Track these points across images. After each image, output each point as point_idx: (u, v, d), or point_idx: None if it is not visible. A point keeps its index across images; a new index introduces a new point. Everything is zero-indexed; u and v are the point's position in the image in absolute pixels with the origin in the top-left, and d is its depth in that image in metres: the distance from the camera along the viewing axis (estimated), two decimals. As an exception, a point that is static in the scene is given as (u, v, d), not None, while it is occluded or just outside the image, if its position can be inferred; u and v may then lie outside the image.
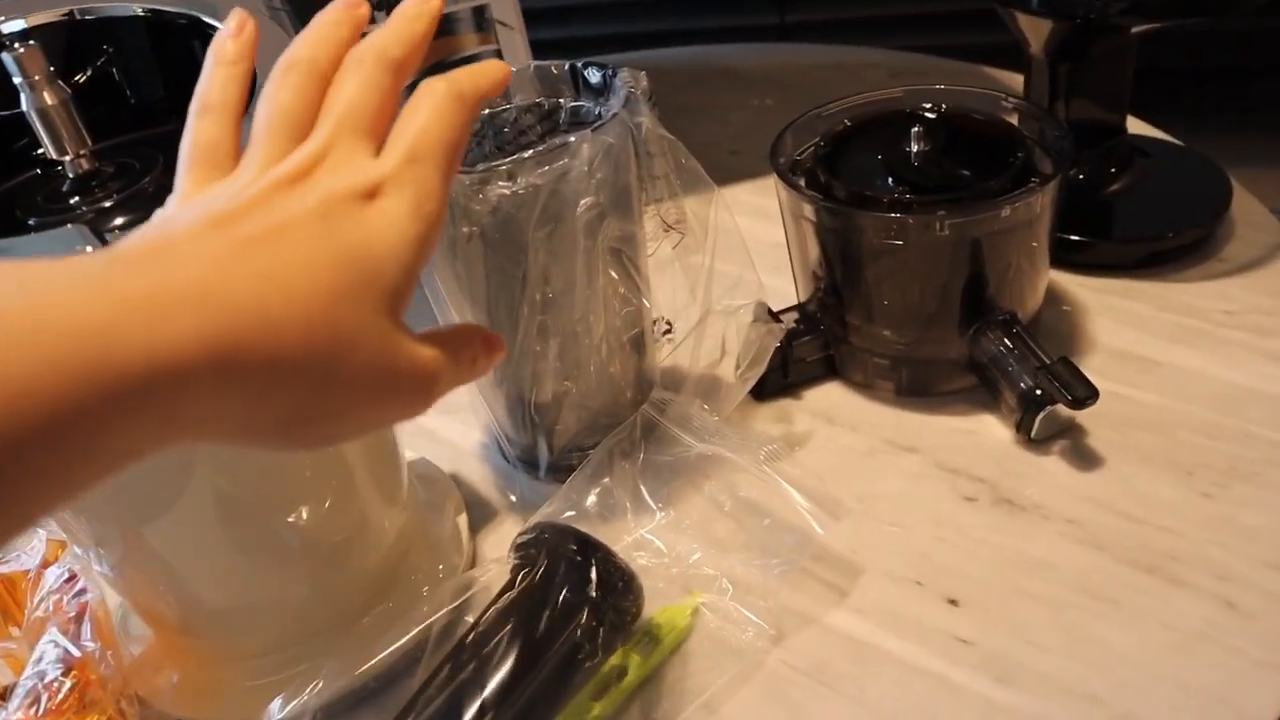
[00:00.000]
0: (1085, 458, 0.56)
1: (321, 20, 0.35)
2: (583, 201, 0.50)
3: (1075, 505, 0.53)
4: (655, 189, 0.54)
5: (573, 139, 0.48)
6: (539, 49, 0.75)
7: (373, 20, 0.37)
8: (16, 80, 0.44)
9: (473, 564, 0.56)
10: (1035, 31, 0.68)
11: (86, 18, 0.52)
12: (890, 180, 0.59)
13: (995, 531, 0.53)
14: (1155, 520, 0.52)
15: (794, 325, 0.62)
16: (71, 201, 0.47)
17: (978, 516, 0.54)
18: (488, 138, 0.57)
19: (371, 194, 0.30)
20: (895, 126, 0.61)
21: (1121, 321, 0.64)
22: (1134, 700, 0.45)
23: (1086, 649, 0.47)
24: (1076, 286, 0.67)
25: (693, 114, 0.94)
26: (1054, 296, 0.66)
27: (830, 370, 0.64)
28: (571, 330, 0.53)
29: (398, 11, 0.35)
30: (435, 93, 0.33)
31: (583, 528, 0.50)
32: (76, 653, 0.46)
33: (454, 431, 0.65)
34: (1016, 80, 0.87)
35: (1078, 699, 0.45)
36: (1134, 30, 0.67)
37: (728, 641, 0.49)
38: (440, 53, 0.72)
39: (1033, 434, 0.56)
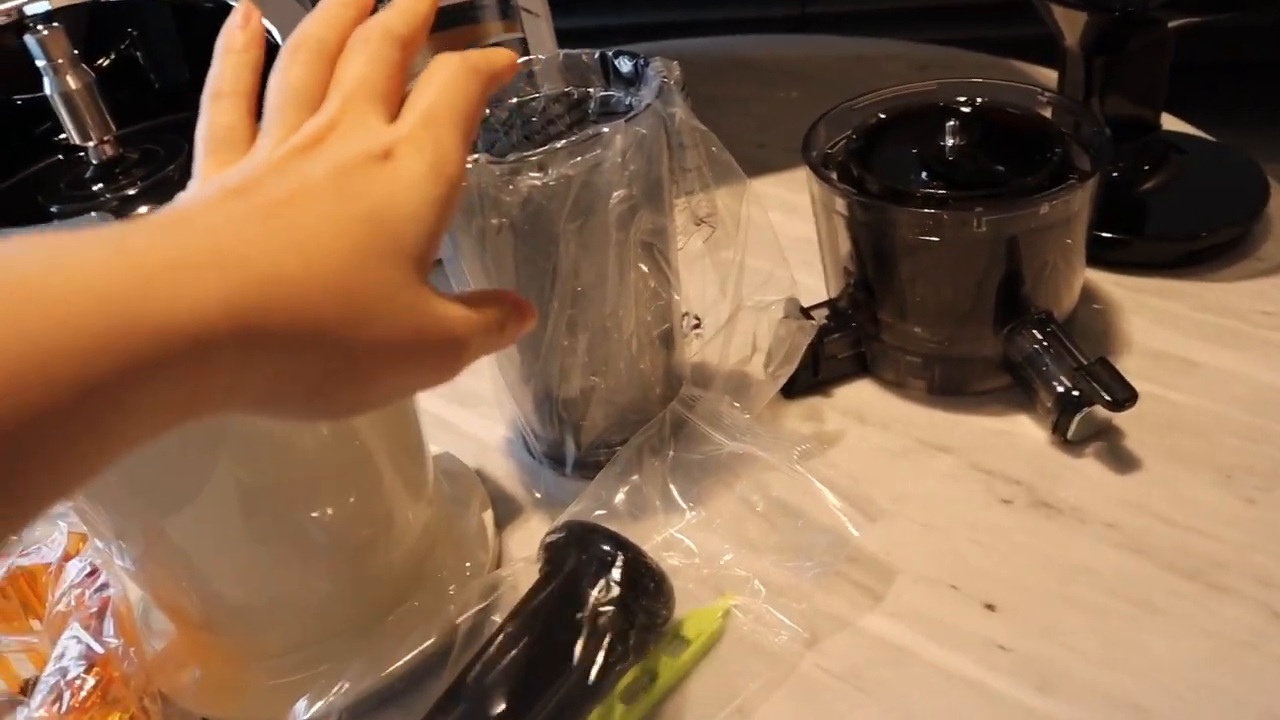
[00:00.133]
0: (1123, 460, 0.55)
1: (327, 3, 0.35)
2: (615, 194, 0.49)
3: (1114, 508, 0.52)
4: (687, 181, 0.53)
5: (606, 129, 0.47)
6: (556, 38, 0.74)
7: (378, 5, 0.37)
8: (40, 63, 0.43)
9: (499, 561, 0.55)
10: (1071, 24, 0.67)
11: (111, 0, 0.51)
12: (924, 175, 0.58)
13: (1032, 535, 0.52)
14: (1196, 525, 0.51)
15: (824, 322, 0.61)
16: (95, 188, 0.46)
17: (1014, 519, 0.53)
18: (515, 127, 0.56)
19: (387, 155, 0.31)
20: (929, 120, 0.60)
21: (1157, 321, 0.63)
22: (1176, 710, 0.44)
23: (1127, 656, 0.46)
24: (1111, 285, 0.66)
25: (716, 105, 0.93)
26: (1088, 295, 0.65)
27: (861, 368, 0.63)
28: (601, 325, 0.52)
29: None
30: (449, 64, 0.34)
31: (612, 526, 0.49)
32: (99, 649, 0.45)
33: (477, 426, 0.64)
34: (1045, 74, 0.87)
35: (1119, 708, 0.44)
36: (1171, 24, 0.65)
37: (761, 645, 0.48)
38: (464, 40, 0.71)
39: (1069, 435, 0.55)
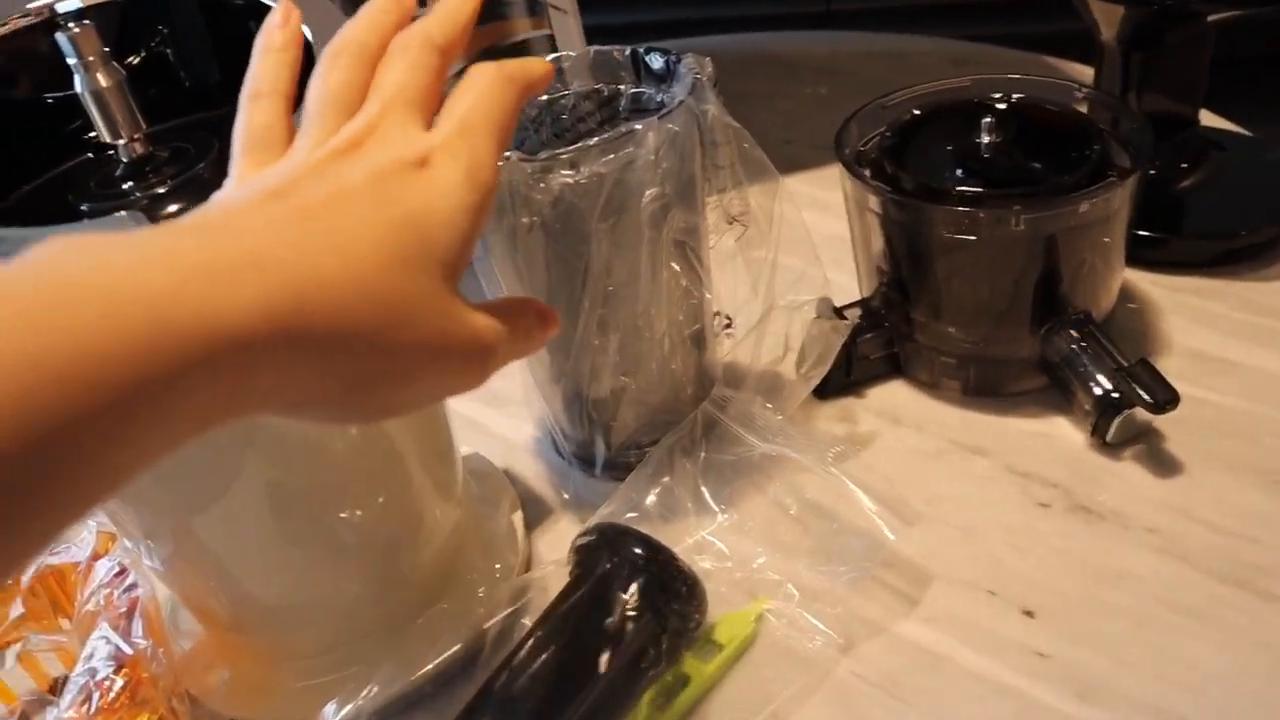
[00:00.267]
0: (1164, 464, 0.53)
1: (369, 8, 0.35)
2: (648, 192, 0.48)
3: (1156, 513, 0.51)
4: (719, 179, 0.52)
5: (639, 126, 0.47)
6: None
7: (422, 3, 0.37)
8: (71, 61, 0.43)
9: (528, 564, 0.54)
10: (1108, 18, 0.66)
11: (141, -3, 0.50)
12: (960, 172, 0.57)
13: (1071, 539, 0.51)
14: (1242, 531, 0.50)
15: (857, 321, 0.60)
16: (125, 187, 0.46)
17: (1052, 523, 0.52)
18: (545, 125, 0.56)
19: (423, 162, 0.31)
20: (964, 117, 0.59)
21: (1196, 321, 0.62)
22: (1224, 721, 0.43)
23: (1174, 667, 0.45)
24: (1148, 284, 0.65)
25: (743, 102, 0.92)
26: (1125, 294, 0.64)
27: (894, 368, 0.62)
28: (633, 324, 0.52)
29: None
30: (485, 73, 0.34)
31: (643, 529, 0.48)
32: (128, 650, 0.45)
33: (506, 425, 0.63)
34: (1078, 70, 0.85)
35: None
36: (1211, 18, 0.64)
37: (794, 650, 0.47)
38: (492, 37, 0.71)
39: (1109, 438, 0.54)
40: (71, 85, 0.43)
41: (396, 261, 0.28)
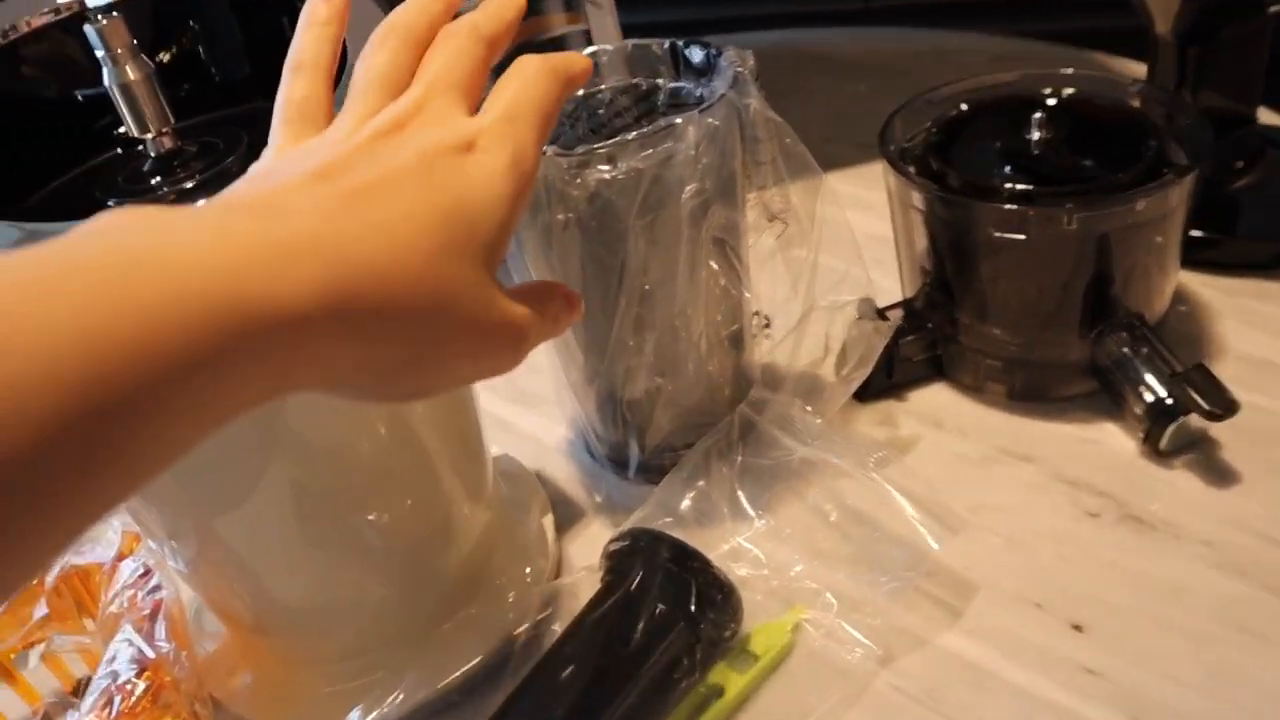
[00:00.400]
0: (1220, 473, 0.51)
1: None
2: (688, 188, 0.47)
3: (1211, 525, 0.49)
4: (760, 175, 0.51)
5: (678, 120, 0.45)
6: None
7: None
8: (99, 54, 0.42)
9: (559, 568, 0.53)
10: (1163, 11, 0.63)
11: (172, -9, 0.50)
12: (1008, 170, 0.55)
13: (1122, 551, 0.49)
14: (1303, 545, 0.47)
15: (899, 323, 0.58)
16: (153, 182, 0.45)
17: (1102, 534, 0.50)
18: (581, 119, 0.54)
19: (468, 147, 0.31)
20: (1012, 113, 0.57)
21: (1253, 325, 0.60)
22: (1286, 745, 0.41)
23: (1231, 687, 0.43)
24: (1202, 286, 0.63)
25: (782, 99, 0.90)
26: (1178, 297, 0.61)
27: (937, 371, 0.60)
28: (669, 324, 0.50)
29: None
30: (530, 64, 0.34)
31: (677, 534, 0.47)
32: (151, 653, 0.44)
33: (536, 425, 0.62)
34: (1129, 66, 0.83)
35: (1222, 741, 0.41)
36: (1272, 9, 0.62)
37: (832, 661, 0.46)
38: (528, 32, 0.70)
39: (1161, 446, 0.52)
40: (100, 80, 0.43)
41: (444, 248, 0.29)
